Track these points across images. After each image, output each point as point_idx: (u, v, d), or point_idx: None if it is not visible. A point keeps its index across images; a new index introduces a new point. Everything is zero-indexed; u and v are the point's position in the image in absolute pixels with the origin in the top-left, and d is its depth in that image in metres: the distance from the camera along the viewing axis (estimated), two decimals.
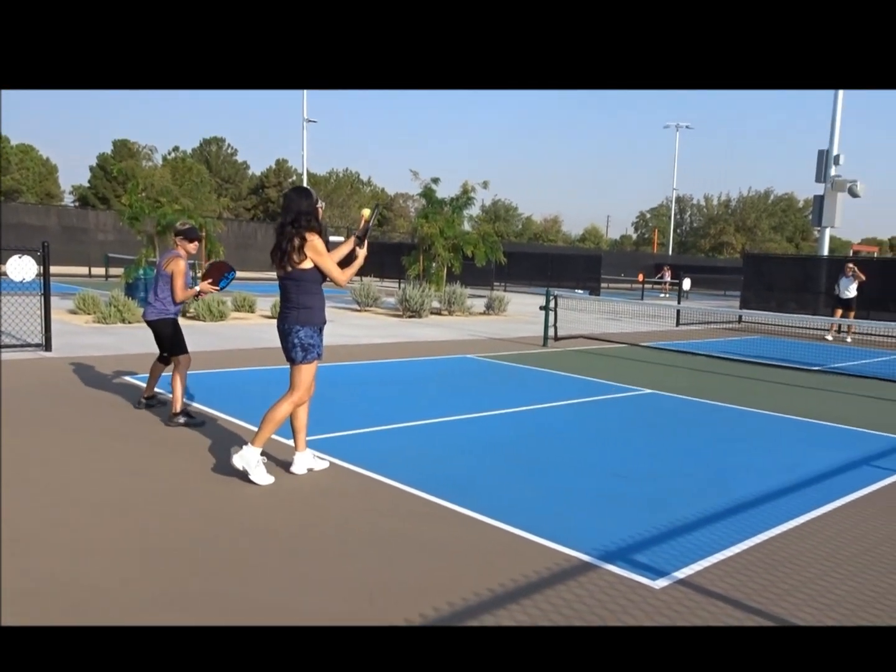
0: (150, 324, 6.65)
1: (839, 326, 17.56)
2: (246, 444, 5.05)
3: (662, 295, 39.38)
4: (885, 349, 15.33)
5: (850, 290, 17.10)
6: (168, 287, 6.50)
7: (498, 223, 74.08)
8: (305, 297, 4.94)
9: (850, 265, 17.35)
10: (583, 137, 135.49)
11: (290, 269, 4.89)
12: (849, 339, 16.98)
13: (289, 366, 5.09)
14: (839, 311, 17.02)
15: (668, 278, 40.25)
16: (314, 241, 4.85)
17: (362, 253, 5.20)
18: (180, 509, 4.51)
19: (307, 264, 4.88)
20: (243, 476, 4.98)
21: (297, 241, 4.81)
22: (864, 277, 17.15)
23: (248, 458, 4.94)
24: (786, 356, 13.26)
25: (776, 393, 9.60)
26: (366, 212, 5.26)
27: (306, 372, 5.00)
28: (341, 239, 38.88)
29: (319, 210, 4.98)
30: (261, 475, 4.98)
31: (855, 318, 16.58)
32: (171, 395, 6.48)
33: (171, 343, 6.60)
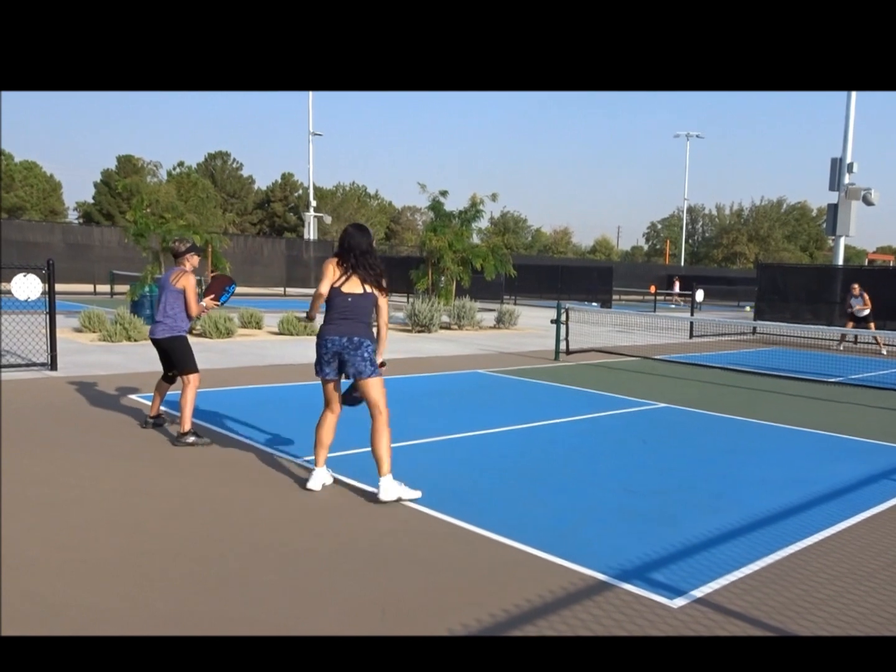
0: (159, 342, 6.56)
1: (855, 338, 17.28)
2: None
3: (673, 306, 39.65)
4: None
5: (864, 310, 16.80)
6: (178, 303, 6.45)
7: (507, 235, 74.08)
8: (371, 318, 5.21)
9: (856, 286, 17.08)
10: (592, 148, 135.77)
11: (368, 290, 5.07)
12: (884, 352, 16.49)
13: (320, 383, 5.16)
14: (851, 324, 16.78)
15: (676, 289, 41.01)
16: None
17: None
18: (188, 529, 4.44)
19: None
20: (251, 495, 4.91)
21: (382, 274, 5.14)
22: (870, 306, 16.75)
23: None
24: (800, 367, 13.11)
25: (791, 405, 9.47)
26: None
27: None
28: None
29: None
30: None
31: (874, 328, 16.32)
32: (177, 414, 6.42)
33: (182, 360, 6.53)
